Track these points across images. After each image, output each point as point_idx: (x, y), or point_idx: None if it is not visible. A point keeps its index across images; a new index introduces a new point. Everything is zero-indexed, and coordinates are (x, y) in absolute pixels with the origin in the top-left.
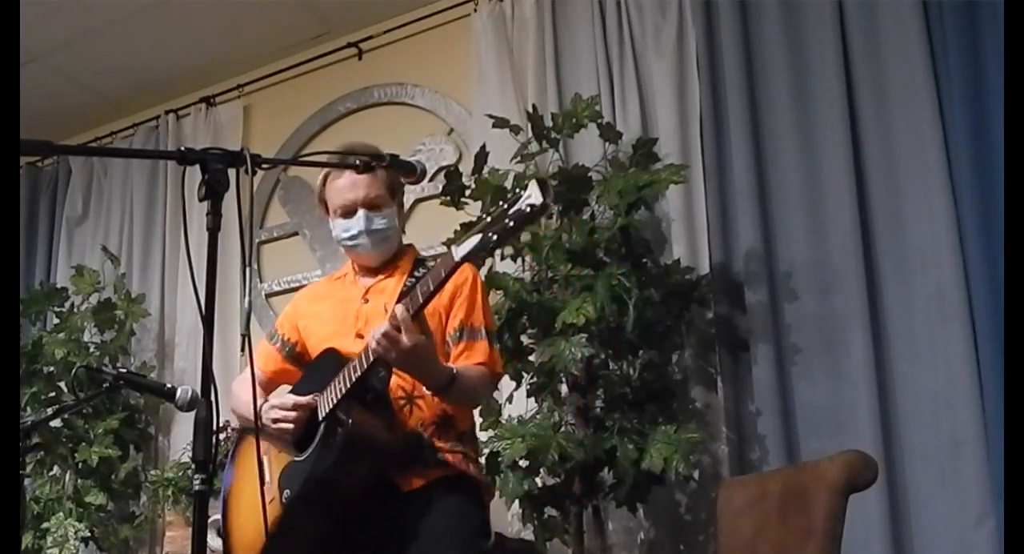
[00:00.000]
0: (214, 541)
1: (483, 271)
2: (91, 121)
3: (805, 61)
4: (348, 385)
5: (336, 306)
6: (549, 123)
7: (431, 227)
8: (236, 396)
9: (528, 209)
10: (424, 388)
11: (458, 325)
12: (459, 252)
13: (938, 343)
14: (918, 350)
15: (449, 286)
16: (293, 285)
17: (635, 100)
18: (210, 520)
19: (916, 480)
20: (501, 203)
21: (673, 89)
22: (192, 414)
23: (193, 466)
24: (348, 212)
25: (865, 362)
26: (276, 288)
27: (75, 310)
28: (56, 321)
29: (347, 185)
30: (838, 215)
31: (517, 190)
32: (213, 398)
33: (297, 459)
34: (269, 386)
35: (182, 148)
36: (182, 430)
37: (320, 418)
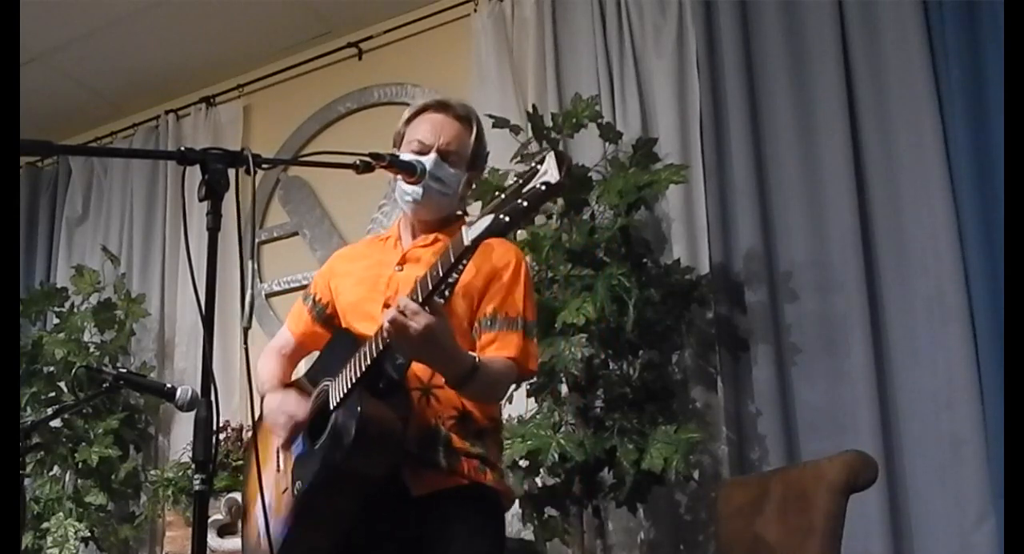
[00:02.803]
0: (214, 541)
1: None
2: (91, 121)
3: (805, 61)
4: (360, 372)
5: (370, 268)
6: (549, 123)
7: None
8: (257, 374)
9: (543, 188)
10: (442, 379)
11: (491, 312)
12: (470, 234)
13: (938, 343)
14: (918, 350)
15: (486, 266)
16: (293, 285)
17: (635, 100)
18: (210, 520)
19: (916, 480)
20: (517, 178)
21: (673, 89)
22: (192, 414)
23: (193, 466)
24: (422, 150)
25: (865, 362)
26: (276, 288)
27: (75, 310)
28: (56, 321)
29: (436, 125)
30: (838, 215)
31: (534, 163)
32: (213, 398)
33: (312, 449)
34: (299, 351)
35: (182, 148)
36: (182, 430)
37: (332, 406)
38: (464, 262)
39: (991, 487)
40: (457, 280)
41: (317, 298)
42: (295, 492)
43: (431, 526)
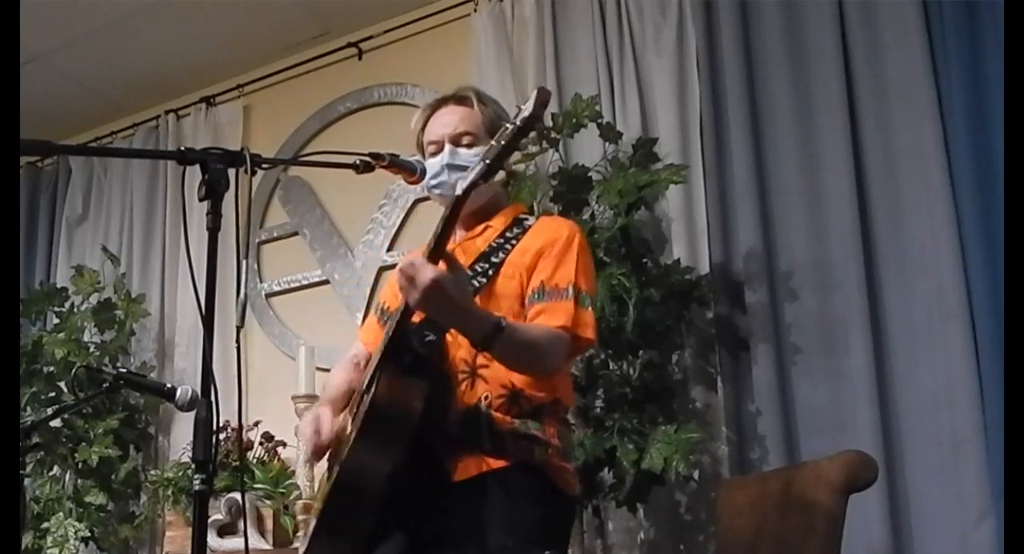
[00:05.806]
0: (214, 541)
1: None
2: (91, 121)
3: (805, 61)
4: (383, 347)
5: None
6: (549, 123)
7: (432, 227)
8: (326, 384)
9: (520, 123)
10: (488, 359)
11: (539, 285)
12: (460, 185)
13: (938, 343)
14: (918, 350)
15: (536, 244)
16: (293, 285)
17: (635, 100)
18: (210, 520)
19: (916, 480)
20: (506, 124)
21: (673, 89)
22: (192, 414)
23: (193, 466)
24: (437, 150)
25: (865, 362)
26: (276, 288)
27: (75, 310)
28: (56, 321)
29: (440, 121)
30: (838, 215)
31: (518, 105)
32: (213, 398)
33: (349, 432)
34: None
35: (182, 148)
36: (182, 430)
37: (364, 386)
38: (458, 212)
39: (991, 487)
40: (503, 260)
41: (385, 306)
42: (331, 476)
43: (470, 511)
